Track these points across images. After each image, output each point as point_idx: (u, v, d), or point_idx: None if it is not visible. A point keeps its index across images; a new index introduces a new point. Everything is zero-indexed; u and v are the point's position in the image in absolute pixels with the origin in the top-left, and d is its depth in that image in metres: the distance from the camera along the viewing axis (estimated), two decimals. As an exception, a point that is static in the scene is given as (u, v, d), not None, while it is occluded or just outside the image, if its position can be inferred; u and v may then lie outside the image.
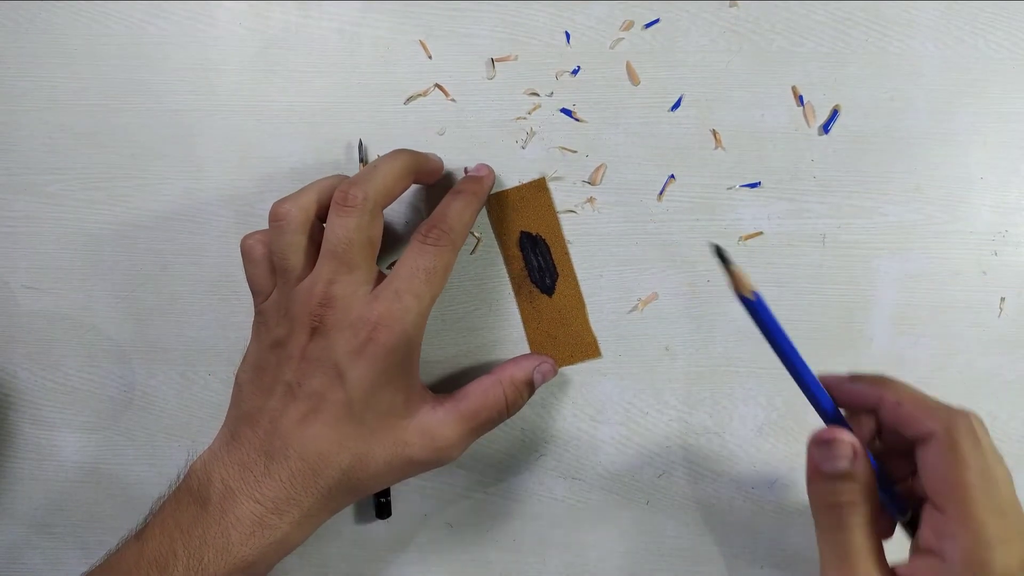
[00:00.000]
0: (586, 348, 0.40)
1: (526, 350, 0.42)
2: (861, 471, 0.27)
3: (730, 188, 0.42)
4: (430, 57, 0.42)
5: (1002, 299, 0.42)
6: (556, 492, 0.43)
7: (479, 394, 0.36)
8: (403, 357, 0.34)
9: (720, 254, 0.27)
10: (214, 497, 0.32)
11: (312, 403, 0.33)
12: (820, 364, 0.42)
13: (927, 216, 0.42)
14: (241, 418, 0.35)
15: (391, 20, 0.42)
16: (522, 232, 0.40)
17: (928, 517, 0.27)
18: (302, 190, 0.36)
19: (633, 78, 0.42)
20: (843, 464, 0.27)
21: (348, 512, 0.43)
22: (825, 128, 0.42)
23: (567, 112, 0.42)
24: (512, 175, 0.42)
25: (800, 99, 0.42)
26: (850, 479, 0.27)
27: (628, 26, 0.42)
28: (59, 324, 0.43)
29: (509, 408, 0.37)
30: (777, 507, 0.42)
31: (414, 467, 0.35)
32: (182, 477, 0.35)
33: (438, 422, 0.35)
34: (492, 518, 0.43)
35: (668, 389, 0.42)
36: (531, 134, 0.42)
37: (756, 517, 0.43)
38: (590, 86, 0.42)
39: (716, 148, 0.42)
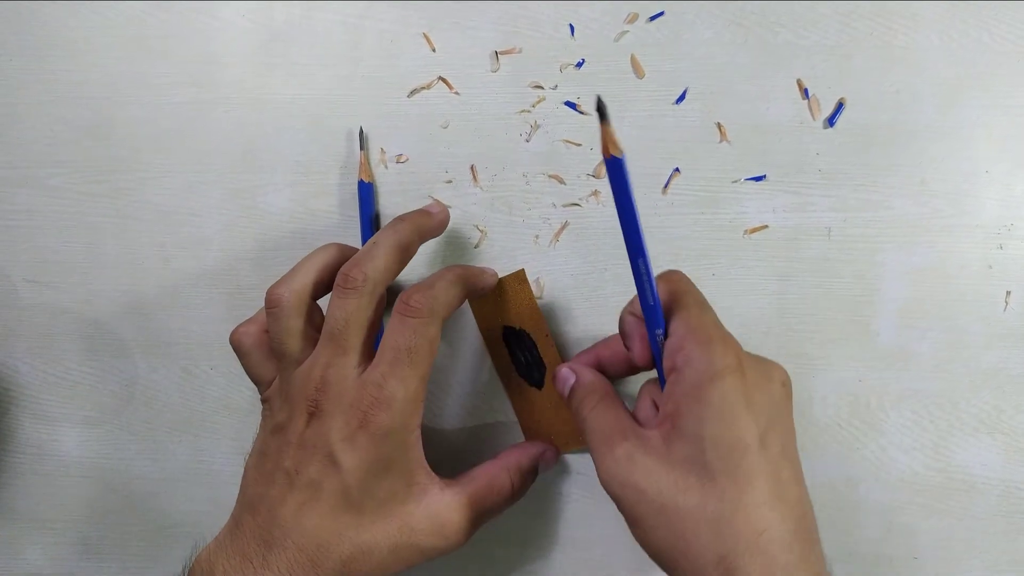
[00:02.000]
0: (578, 438, 0.40)
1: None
2: (582, 375, 0.36)
3: (735, 181, 0.42)
4: (434, 50, 0.42)
5: (1008, 293, 0.42)
6: (561, 487, 0.43)
7: (486, 480, 0.36)
8: (399, 442, 0.33)
9: (600, 109, 0.27)
10: None
11: (310, 492, 0.32)
12: (825, 357, 0.42)
13: (933, 209, 0.42)
14: (245, 505, 0.34)
15: (395, 13, 0.42)
16: (505, 327, 0.39)
17: (666, 355, 0.32)
18: (295, 270, 0.35)
19: (638, 71, 0.42)
20: (567, 390, 0.36)
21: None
22: (830, 121, 0.42)
23: (571, 105, 0.42)
24: (516, 168, 0.42)
25: (805, 92, 0.42)
26: (579, 384, 0.36)
27: (633, 19, 0.42)
28: (60, 318, 0.43)
29: (515, 495, 0.37)
30: (782, 502, 0.42)
31: (421, 554, 0.34)
32: (188, 568, 0.34)
33: (445, 507, 0.34)
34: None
35: (673, 383, 0.42)
36: (535, 127, 0.42)
37: (761, 512, 0.42)
38: (595, 79, 0.42)
39: (721, 141, 0.42)
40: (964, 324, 0.42)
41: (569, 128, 0.42)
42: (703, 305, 0.33)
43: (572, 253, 0.42)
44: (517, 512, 0.42)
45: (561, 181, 0.42)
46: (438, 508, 0.34)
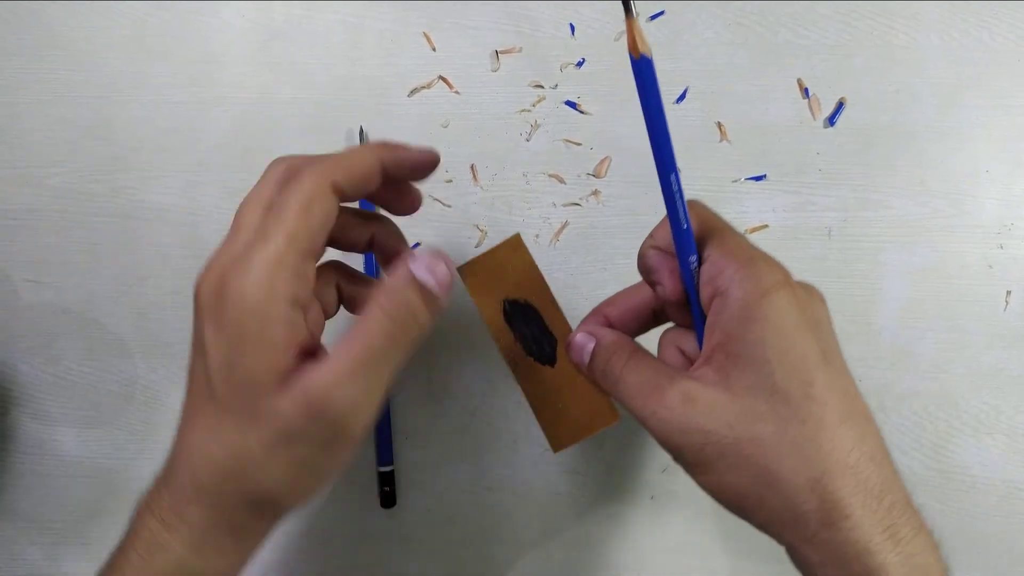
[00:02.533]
0: (603, 415, 0.35)
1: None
2: (602, 335, 0.32)
3: (735, 181, 0.42)
4: (434, 49, 0.42)
5: (1008, 292, 0.42)
6: (560, 487, 0.43)
7: (357, 328, 0.28)
8: (260, 314, 0.27)
9: (626, 3, 0.25)
10: (133, 517, 0.29)
11: (187, 394, 0.29)
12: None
13: (933, 209, 0.42)
14: None
15: (395, 12, 0.42)
16: (506, 301, 0.35)
17: (702, 285, 0.29)
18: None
19: (638, 70, 0.42)
20: (584, 350, 0.32)
21: (350, 505, 0.43)
22: (831, 121, 0.42)
23: (572, 104, 0.42)
24: (516, 168, 0.42)
25: (806, 92, 0.42)
26: (599, 348, 0.32)
27: (633, 18, 0.41)
28: (60, 318, 0.43)
29: (400, 324, 0.28)
30: (782, 502, 0.42)
31: (299, 445, 0.27)
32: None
33: (314, 381, 0.27)
34: (495, 513, 0.43)
35: (673, 383, 0.42)
36: (535, 127, 0.42)
37: (761, 512, 0.42)
38: (595, 78, 0.42)
39: (721, 141, 0.42)
40: (964, 324, 0.42)
41: (569, 127, 0.42)
42: (734, 229, 0.30)
43: (572, 252, 0.42)
44: (514, 512, 0.42)
45: (561, 180, 0.42)
46: (306, 384, 0.27)
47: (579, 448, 0.42)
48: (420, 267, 0.29)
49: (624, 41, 0.41)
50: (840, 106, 0.41)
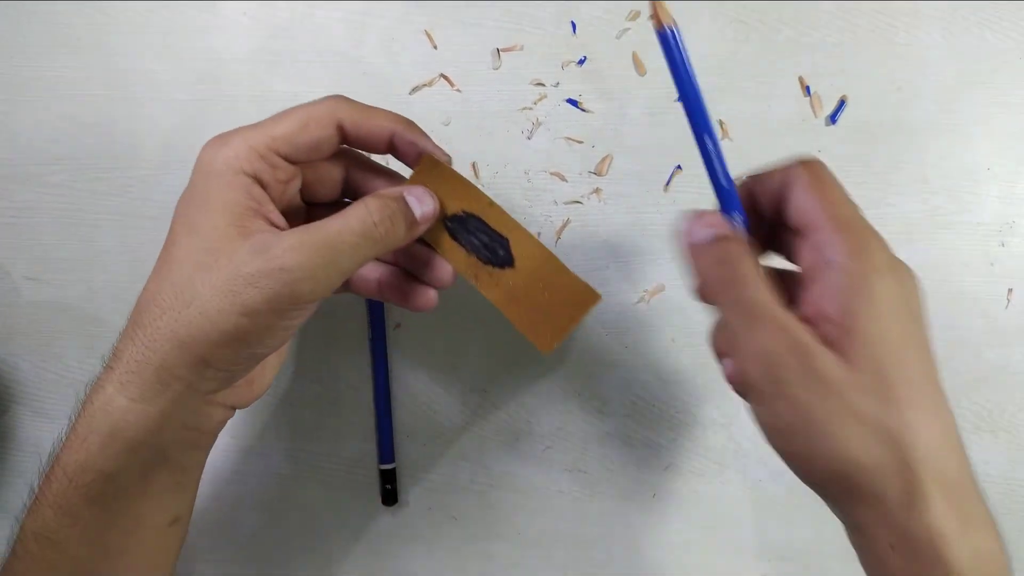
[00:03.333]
0: (582, 298, 0.33)
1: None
2: (740, 230, 0.30)
3: (737, 178, 0.42)
4: (435, 47, 0.42)
5: (1009, 290, 0.42)
6: (562, 485, 0.43)
7: (338, 214, 0.30)
8: (224, 183, 0.29)
9: None
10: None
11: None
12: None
13: (934, 207, 0.42)
14: None
15: (397, 10, 0.42)
16: (445, 219, 0.34)
17: (805, 248, 0.28)
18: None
19: (639, 68, 0.42)
20: (715, 231, 0.30)
21: (353, 504, 0.43)
22: (832, 118, 0.42)
23: (573, 102, 0.42)
24: (518, 166, 0.42)
25: (807, 89, 0.42)
26: (732, 237, 0.29)
27: (634, 16, 0.42)
28: (61, 315, 0.43)
29: (378, 224, 0.30)
30: (784, 501, 0.42)
31: (248, 292, 0.27)
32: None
33: (276, 240, 0.28)
34: (497, 511, 0.43)
35: (675, 381, 0.42)
36: (537, 124, 0.42)
37: (763, 510, 0.42)
38: (596, 76, 0.42)
39: (723, 138, 0.42)
40: (966, 322, 0.42)
41: (571, 125, 0.42)
42: (842, 190, 0.29)
43: (574, 250, 0.42)
44: (516, 509, 0.42)
45: (563, 178, 0.42)
46: (269, 241, 0.28)
47: (582, 446, 0.42)
48: (412, 194, 0.32)
49: (626, 39, 0.41)
50: (841, 104, 0.42)
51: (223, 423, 0.32)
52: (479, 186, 0.33)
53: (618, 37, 0.42)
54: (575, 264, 0.42)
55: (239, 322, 0.28)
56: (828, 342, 0.26)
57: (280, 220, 0.31)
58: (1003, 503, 0.42)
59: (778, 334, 0.27)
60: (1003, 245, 0.42)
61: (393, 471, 0.42)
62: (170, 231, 0.30)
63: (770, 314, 0.27)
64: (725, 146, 0.42)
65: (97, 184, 0.42)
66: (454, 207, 0.34)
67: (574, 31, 0.42)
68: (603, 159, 0.42)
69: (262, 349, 0.30)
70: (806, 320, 0.27)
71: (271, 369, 0.35)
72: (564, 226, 0.42)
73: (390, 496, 0.41)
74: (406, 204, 0.31)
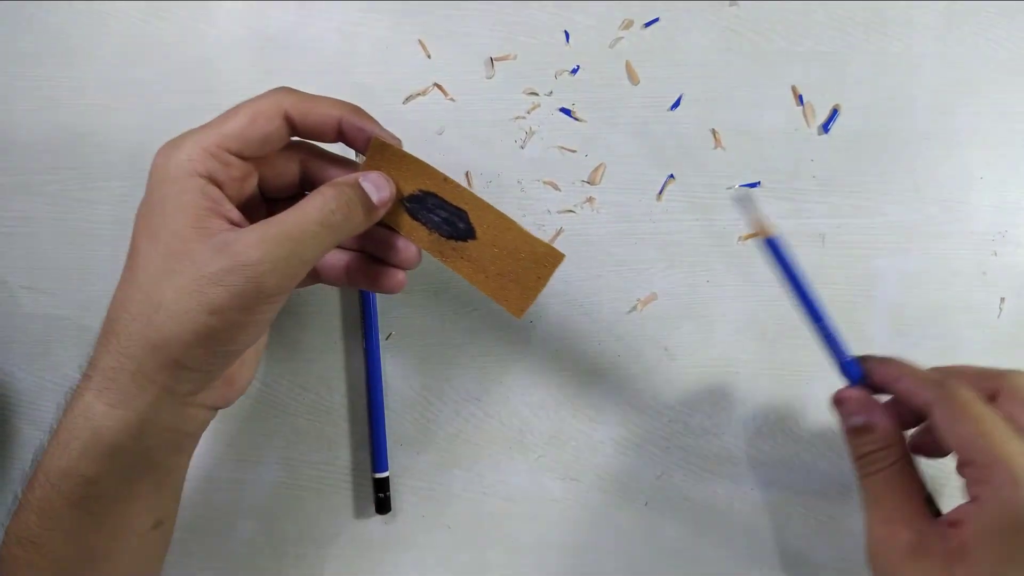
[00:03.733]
0: (546, 259, 0.34)
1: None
2: (880, 423, 0.32)
3: (730, 188, 0.42)
4: (429, 56, 0.42)
5: (1002, 299, 0.42)
6: (554, 493, 0.43)
7: (296, 206, 0.30)
8: (179, 188, 0.30)
9: (743, 200, 0.29)
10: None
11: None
12: (818, 364, 0.42)
13: (927, 216, 0.42)
14: None
15: (390, 19, 0.42)
16: (403, 200, 0.34)
17: (965, 472, 0.29)
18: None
19: (633, 77, 0.42)
20: (856, 420, 0.32)
21: (346, 512, 0.43)
22: (825, 128, 0.42)
23: (566, 111, 0.42)
24: (511, 175, 0.42)
25: (800, 99, 0.42)
26: (869, 431, 0.31)
27: (628, 25, 0.42)
28: (57, 324, 0.43)
29: (335, 211, 0.30)
30: (776, 508, 0.42)
31: (213, 290, 0.28)
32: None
33: (236, 237, 0.29)
34: (490, 519, 0.43)
35: (667, 390, 0.42)
36: (530, 133, 0.42)
37: (755, 518, 0.42)
38: (589, 85, 0.42)
39: (716, 148, 0.42)
40: (958, 330, 0.42)
41: (564, 134, 0.42)
42: (999, 420, 0.29)
43: (567, 259, 0.42)
44: (509, 518, 0.43)
45: (556, 187, 0.42)
46: (228, 238, 0.29)
47: (575, 454, 0.43)
48: (368, 180, 0.32)
49: (619, 48, 0.42)
50: (834, 113, 0.42)
51: (205, 424, 0.33)
52: (432, 164, 0.34)
53: (611, 46, 0.42)
54: (567, 273, 0.42)
55: (208, 321, 0.28)
56: (948, 565, 0.28)
57: (239, 218, 0.31)
58: (995, 511, 0.42)
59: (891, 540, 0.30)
60: (995, 254, 0.42)
61: (386, 479, 0.42)
62: (132, 241, 0.30)
63: (881, 522, 0.31)
64: (718, 156, 0.42)
65: (93, 193, 0.43)
66: (410, 187, 0.34)
67: (567, 40, 0.42)
68: (596, 168, 0.42)
69: (235, 346, 0.30)
70: (947, 540, 0.29)
71: (250, 367, 0.35)
72: (557, 235, 0.42)
73: (384, 504, 0.42)
74: (362, 190, 0.32)
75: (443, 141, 0.42)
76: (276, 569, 0.43)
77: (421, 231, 0.35)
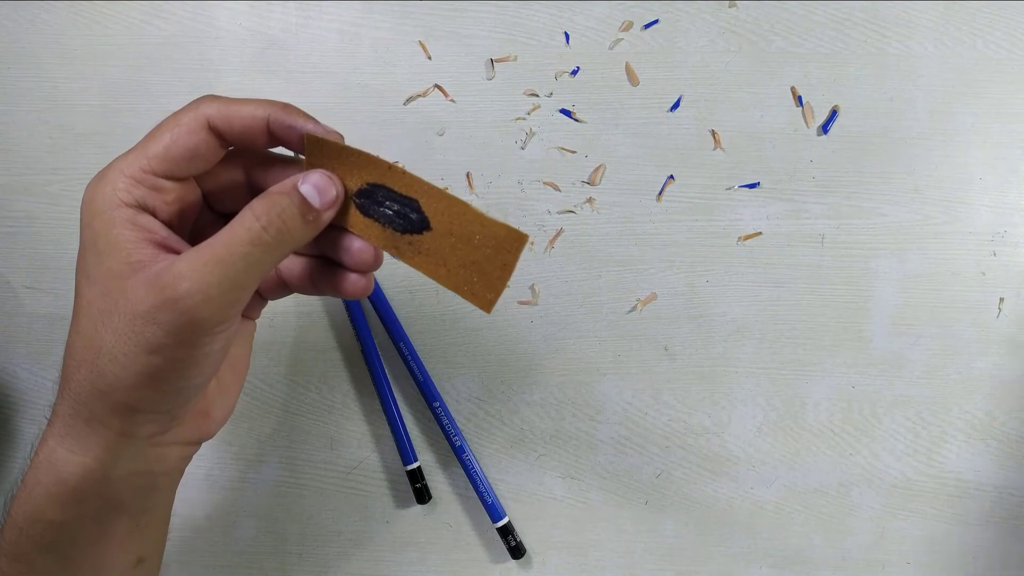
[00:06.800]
0: (509, 243, 0.30)
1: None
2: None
3: (729, 188, 0.42)
4: (429, 58, 0.42)
5: (1001, 299, 0.42)
6: (555, 492, 0.43)
7: (225, 227, 0.28)
8: (107, 219, 0.28)
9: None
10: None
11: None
12: (819, 363, 0.42)
13: (926, 216, 0.42)
14: None
15: (391, 21, 0.42)
16: (352, 198, 0.31)
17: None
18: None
19: (632, 79, 0.42)
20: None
21: (349, 511, 0.43)
22: (824, 128, 0.42)
23: (566, 112, 0.42)
24: (512, 175, 0.42)
25: (799, 99, 0.42)
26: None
27: (627, 27, 0.42)
28: (60, 324, 0.43)
29: (267, 227, 0.27)
30: (776, 507, 0.43)
31: (149, 329, 0.26)
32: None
33: (167, 267, 0.27)
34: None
35: (667, 389, 0.42)
36: (530, 134, 0.42)
37: (754, 517, 0.43)
38: (589, 87, 0.42)
39: (715, 149, 0.42)
40: (957, 330, 0.42)
41: (564, 135, 0.42)
42: None
43: (567, 260, 0.42)
44: (511, 517, 0.43)
45: (556, 188, 0.42)
46: (159, 270, 0.27)
47: (575, 453, 0.43)
48: (308, 182, 0.29)
49: (619, 49, 0.42)
50: (834, 114, 0.42)
51: (183, 460, 0.31)
52: (374, 153, 0.30)
53: (611, 47, 0.42)
54: (568, 273, 0.42)
55: (150, 361, 0.27)
56: None
57: (179, 243, 0.29)
58: (993, 511, 0.42)
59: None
60: (994, 255, 0.42)
61: (419, 469, 0.42)
62: (75, 283, 0.29)
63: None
64: (717, 157, 0.42)
65: (94, 194, 0.43)
66: (357, 181, 0.31)
67: (567, 41, 0.42)
68: (596, 169, 0.42)
69: (188, 382, 0.28)
70: None
71: (230, 394, 0.33)
72: (557, 235, 0.42)
73: (422, 494, 0.42)
74: (300, 196, 0.28)
75: (444, 142, 0.42)
76: (279, 569, 0.43)
77: (374, 228, 0.31)
